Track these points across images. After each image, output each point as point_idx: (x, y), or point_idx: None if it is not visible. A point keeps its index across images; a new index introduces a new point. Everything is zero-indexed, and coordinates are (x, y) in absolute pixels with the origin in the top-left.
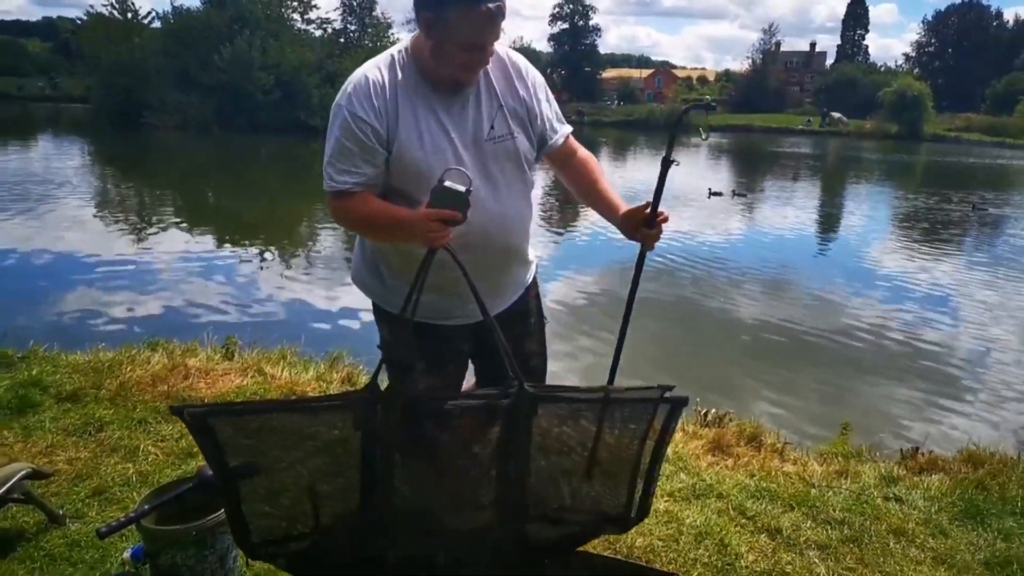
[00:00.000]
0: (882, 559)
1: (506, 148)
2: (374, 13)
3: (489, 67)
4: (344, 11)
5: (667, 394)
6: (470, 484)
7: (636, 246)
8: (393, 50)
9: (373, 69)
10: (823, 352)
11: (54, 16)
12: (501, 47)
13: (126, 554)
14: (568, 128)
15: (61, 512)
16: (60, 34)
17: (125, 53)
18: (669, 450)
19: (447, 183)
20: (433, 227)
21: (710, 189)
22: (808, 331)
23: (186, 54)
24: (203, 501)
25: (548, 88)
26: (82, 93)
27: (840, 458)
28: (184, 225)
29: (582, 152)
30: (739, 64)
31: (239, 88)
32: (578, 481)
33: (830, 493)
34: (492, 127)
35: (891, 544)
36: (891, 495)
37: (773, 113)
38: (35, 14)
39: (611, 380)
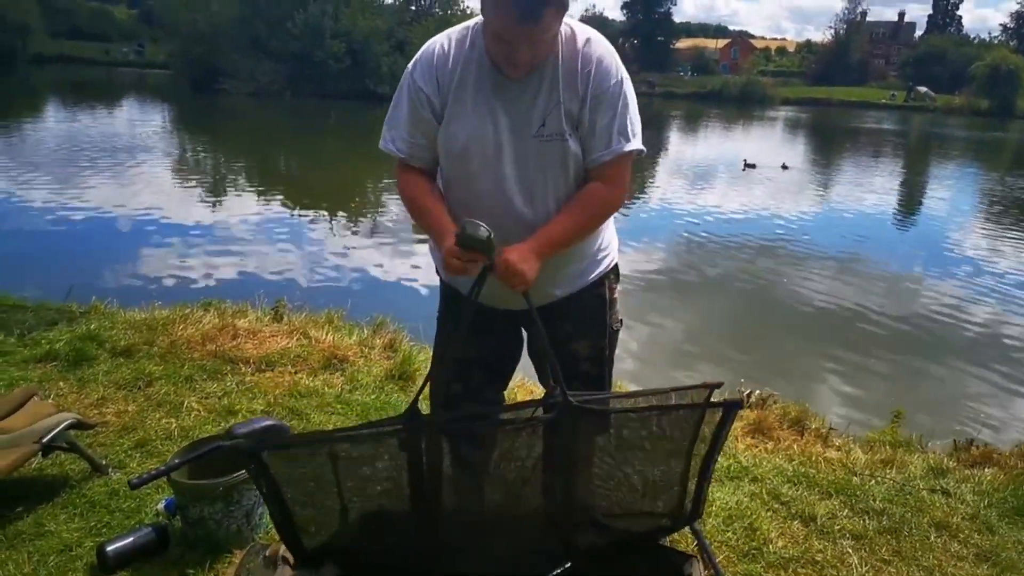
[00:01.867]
0: (920, 552)
1: (553, 148)
2: None
3: (564, 57)
4: None
5: (720, 396)
6: (516, 497)
7: (700, 218)
8: (471, 22)
9: (444, 39)
10: (884, 337)
11: None
12: (585, 34)
13: (160, 505)
14: (617, 151)
15: (104, 462)
16: (145, 1)
17: (202, 20)
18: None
19: (468, 231)
20: (454, 262)
21: (744, 161)
22: (871, 314)
23: (260, 21)
24: (233, 458)
25: (622, 99)
26: (164, 60)
27: (887, 447)
28: (253, 190)
29: (596, 186)
30: (821, 34)
31: (311, 55)
32: (628, 486)
33: (872, 482)
34: (544, 123)
35: (932, 537)
36: (938, 487)
37: (855, 87)
38: None
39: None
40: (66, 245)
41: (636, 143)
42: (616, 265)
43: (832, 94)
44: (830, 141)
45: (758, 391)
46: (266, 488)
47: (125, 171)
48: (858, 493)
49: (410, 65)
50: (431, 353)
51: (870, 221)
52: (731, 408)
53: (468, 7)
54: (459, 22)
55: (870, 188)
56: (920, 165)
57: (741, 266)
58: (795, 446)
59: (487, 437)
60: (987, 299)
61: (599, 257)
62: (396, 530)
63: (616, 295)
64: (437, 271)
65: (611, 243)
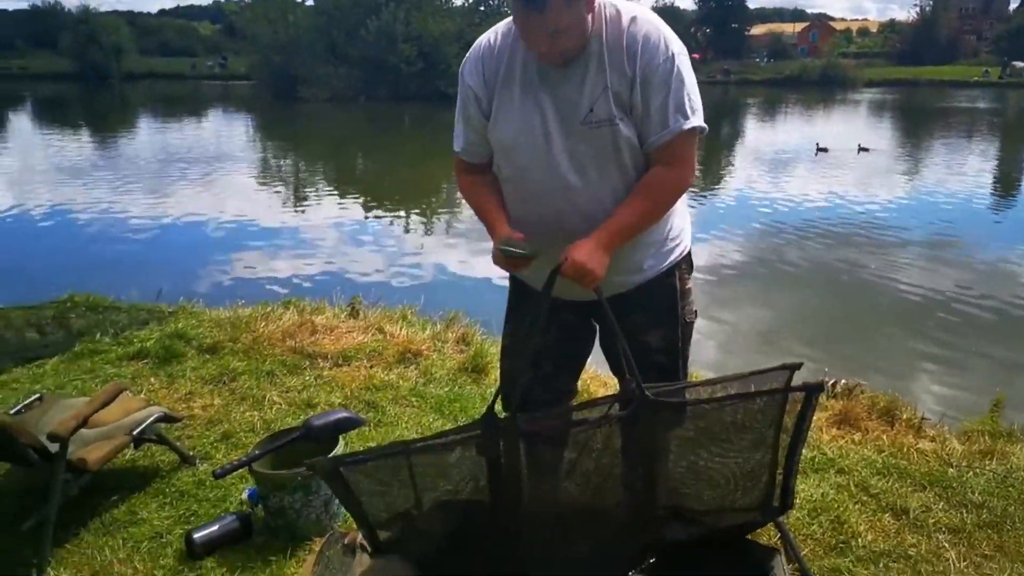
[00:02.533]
0: None
1: (603, 134)
2: None
3: (608, 39)
4: None
5: (801, 380)
6: (596, 495)
7: (774, 206)
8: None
9: (492, 33)
10: (978, 324)
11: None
12: (630, 13)
13: (244, 494)
14: (675, 130)
15: (191, 453)
16: (227, 16)
17: (281, 31)
18: (788, 421)
19: (504, 251)
20: (500, 262)
21: (817, 144)
22: (962, 301)
23: (336, 29)
24: (312, 449)
25: (675, 75)
26: (246, 71)
27: (986, 437)
28: (332, 193)
29: (658, 170)
30: (906, 13)
31: (384, 60)
32: (710, 479)
33: (970, 474)
34: (591, 109)
35: None
36: None
37: (945, 65)
38: None
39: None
40: (157, 250)
41: (696, 120)
42: (689, 254)
43: (920, 73)
44: (917, 122)
45: (843, 380)
46: (346, 499)
47: (212, 179)
48: (954, 485)
49: (463, 61)
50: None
51: (961, 205)
52: (812, 391)
53: None
54: None
55: (960, 171)
56: (1018, 144)
57: (819, 255)
58: (884, 437)
59: (563, 436)
60: None
61: (670, 246)
62: (476, 536)
63: (689, 285)
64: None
65: (682, 231)
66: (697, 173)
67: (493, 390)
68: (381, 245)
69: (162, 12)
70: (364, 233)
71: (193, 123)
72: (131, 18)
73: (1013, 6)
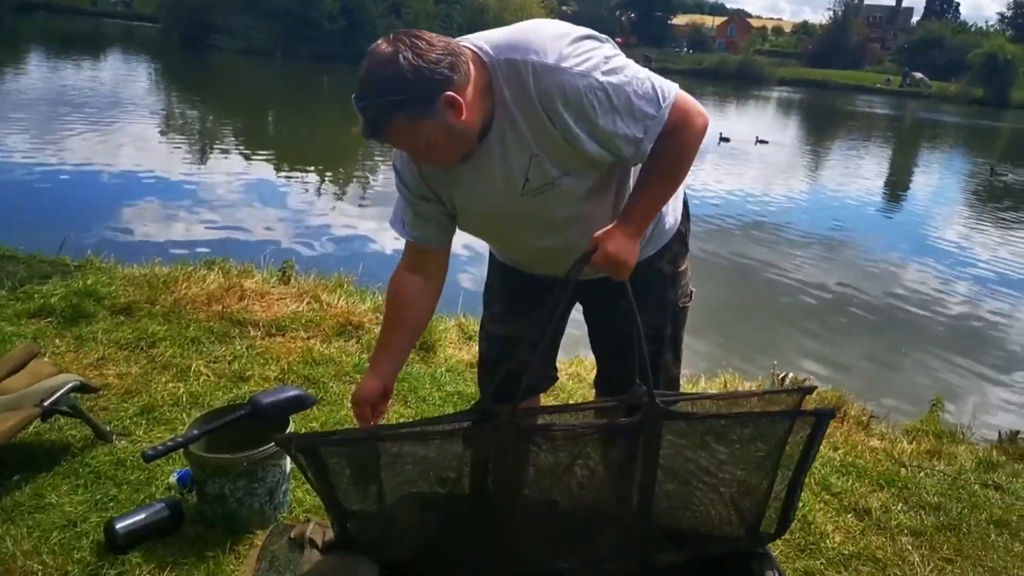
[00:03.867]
0: (983, 552)
1: (553, 195)
2: None
3: (517, 106)
4: None
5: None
6: (589, 507)
7: (763, 203)
8: None
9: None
10: (897, 323)
11: None
12: (526, 63)
13: (172, 478)
14: (661, 119)
15: (108, 429)
16: None
17: None
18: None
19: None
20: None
21: (720, 134)
22: (880, 300)
23: None
24: (255, 431)
25: (612, 93)
26: (154, 12)
27: (931, 437)
28: (244, 150)
29: (664, 141)
30: (818, 16)
31: (304, 15)
32: (709, 497)
33: (922, 475)
34: (527, 179)
35: (992, 536)
36: (990, 482)
37: (851, 70)
38: None
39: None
40: (54, 197)
41: (668, 90)
42: (680, 232)
43: (828, 76)
44: (821, 121)
45: (791, 374)
46: (318, 483)
47: (112, 127)
48: (909, 486)
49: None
50: (478, 330)
51: (855, 206)
52: (823, 417)
53: None
54: None
55: (856, 172)
56: (909, 150)
57: (721, 247)
58: (838, 433)
59: (559, 441)
60: (993, 291)
61: (660, 226)
62: (456, 531)
63: (683, 267)
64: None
65: (675, 208)
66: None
67: (444, 370)
68: (307, 211)
69: None
70: (286, 197)
71: (92, 64)
72: None
73: (916, 19)
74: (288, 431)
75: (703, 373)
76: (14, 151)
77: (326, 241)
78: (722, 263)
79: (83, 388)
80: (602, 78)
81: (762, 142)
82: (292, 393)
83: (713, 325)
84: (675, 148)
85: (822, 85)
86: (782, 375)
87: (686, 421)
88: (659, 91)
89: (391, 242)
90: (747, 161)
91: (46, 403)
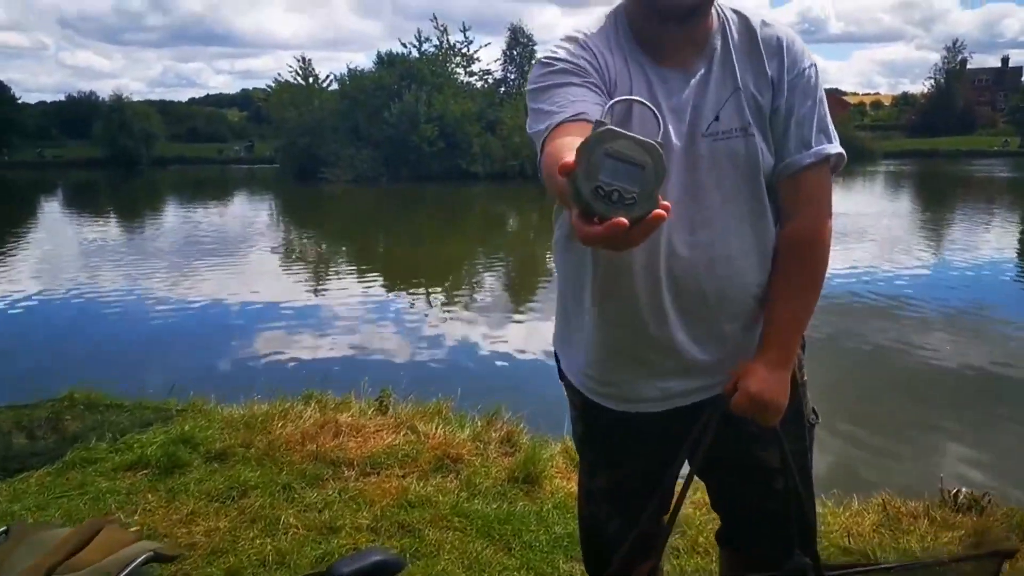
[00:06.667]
0: None
1: (732, 150)
2: (533, 60)
3: (735, 38)
4: (504, 61)
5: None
6: None
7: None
8: (600, 12)
9: (578, 33)
10: None
11: (250, 88)
12: (758, 17)
13: None
14: (820, 152)
15: None
16: (254, 103)
17: (306, 115)
18: (916, 546)
19: (608, 130)
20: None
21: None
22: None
23: (359, 112)
24: None
25: (819, 87)
26: (271, 155)
27: None
28: (354, 273)
29: (796, 227)
30: (918, 87)
31: (406, 140)
32: None
33: None
34: (717, 117)
35: None
36: None
37: (962, 136)
38: (234, 87)
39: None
40: (174, 338)
41: (838, 145)
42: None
43: (938, 144)
44: (942, 191)
45: (965, 488)
46: None
47: (236, 263)
48: None
49: (541, 61)
50: (577, 483)
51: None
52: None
53: None
54: None
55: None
56: None
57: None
58: None
59: None
60: None
61: None
62: None
63: (806, 377)
64: (563, 373)
65: None
66: None
67: (551, 506)
68: (409, 328)
69: (192, 101)
70: (390, 315)
71: (217, 205)
72: (162, 107)
73: None
74: None
75: (855, 493)
76: (144, 295)
77: (427, 360)
78: (847, 346)
79: (159, 558)
80: (818, 74)
81: None
82: (375, 559)
83: (849, 417)
84: (811, 239)
85: (931, 154)
86: (953, 491)
87: None
88: (836, 136)
89: (492, 356)
90: (860, 235)
91: None
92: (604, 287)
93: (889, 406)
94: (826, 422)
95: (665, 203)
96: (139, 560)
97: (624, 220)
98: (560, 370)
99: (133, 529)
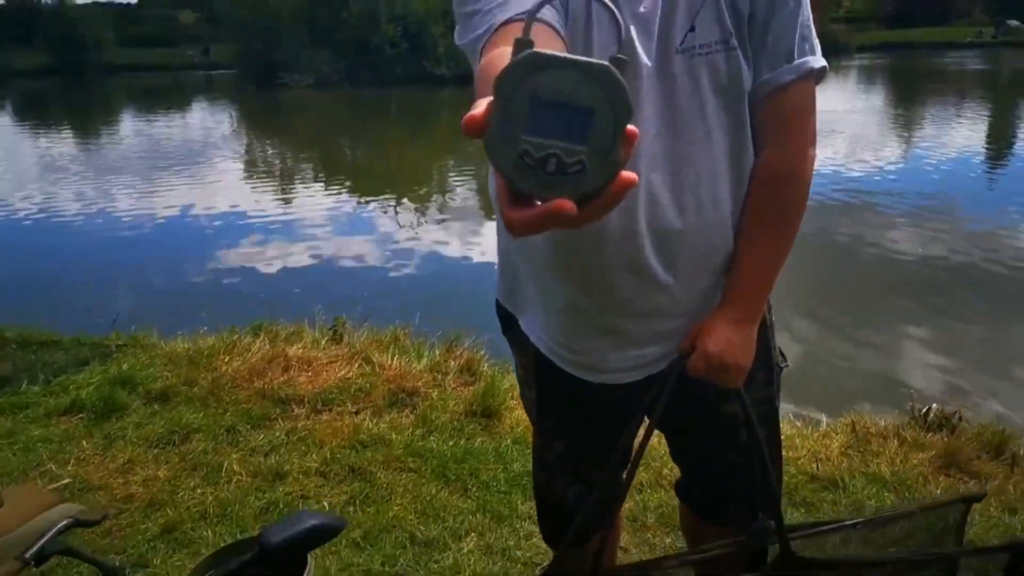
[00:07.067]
0: None
1: (713, 68)
2: None
3: None
4: None
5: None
6: None
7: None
8: None
9: None
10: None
11: None
12: None
13: None
14: (805, 67)
15: (118, 564)
16: (209, 3)
17: (262, 9)
18: (886, 470)
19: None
20: (512, 215)
21: None
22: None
23: (318, 12)
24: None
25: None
26: (229, 60)
27: None
28: (315, 186)
29: (770, 158)
30: None
31: (367, 42)
32: None
33: None
34: (692, 28)
35: None
36: None
37: (937, 27)
38: None
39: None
40: (125, 262)
41: (821, 57)
42: None
43: (911, 36)
44: (911, 86)
45: (935, 405)
46: None
47: (197, 174)
48: None
49: None
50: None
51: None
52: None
53: None
54: None
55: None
56: (1009, 104)
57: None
58: (1013, 487)
59: None
60: None
61: None
62: None
63: (773, 317)
64: (508, 329)
65: None
66: None
67: (510, 442)
68: (370, 243)
69: (142, 2)
70: (355, 227)
71: (174, 116)
72: (109, 8)
73: None
74: (307, 571)
75: (823, 413)
76: (93, 214)
77: (388, 279)
78: (816, 243)
79: (78, 524)
80: None
81: None
82: (310, 523)
83: (811, 315)
84: (789, 173)
85: (907, 46)
86: (924, 409)
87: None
88: (818, 47)
89: (458, 272)
90: (831, 133)
91: (29, 554)
92: (567, 248)
93: (857, 307)
94: (792, 327)
95: (630, 174)
96: (55, 529)
97: (567, 203)
98: (503, 327)
99: (63, 482)
